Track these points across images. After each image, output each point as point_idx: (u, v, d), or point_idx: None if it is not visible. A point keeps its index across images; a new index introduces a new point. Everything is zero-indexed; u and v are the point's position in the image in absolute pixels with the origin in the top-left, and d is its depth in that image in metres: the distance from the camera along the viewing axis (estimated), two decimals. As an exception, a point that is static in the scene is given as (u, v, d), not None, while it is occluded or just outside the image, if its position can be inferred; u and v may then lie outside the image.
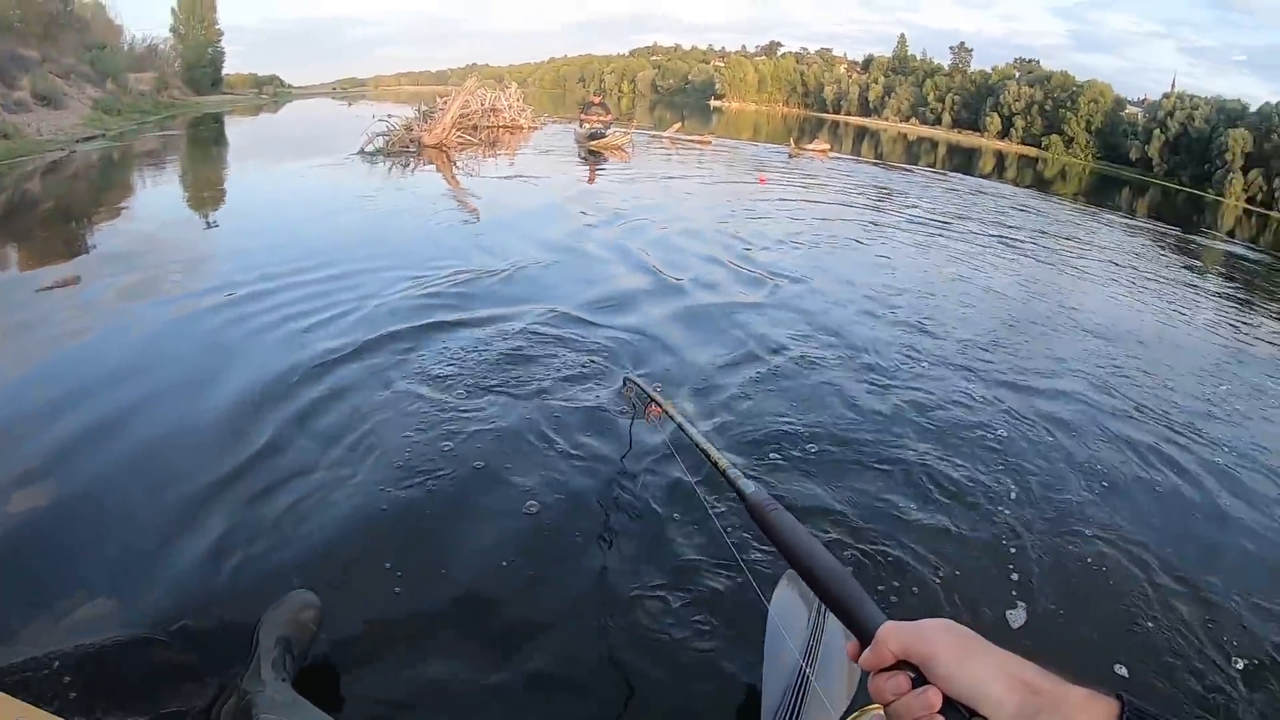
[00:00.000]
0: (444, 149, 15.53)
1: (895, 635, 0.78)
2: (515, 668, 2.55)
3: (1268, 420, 6.08)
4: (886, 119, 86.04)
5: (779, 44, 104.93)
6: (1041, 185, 35.81)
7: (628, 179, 14.01)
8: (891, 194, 17.74)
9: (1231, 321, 10.19)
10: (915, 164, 34.35)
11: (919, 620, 0.79)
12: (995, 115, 79.90)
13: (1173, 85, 75.36)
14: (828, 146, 28.12)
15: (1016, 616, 3.15)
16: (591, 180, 13.78)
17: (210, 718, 2.18)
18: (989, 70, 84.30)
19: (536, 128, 22.82)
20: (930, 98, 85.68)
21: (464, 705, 2.43)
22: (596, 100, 20.94)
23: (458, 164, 14.15)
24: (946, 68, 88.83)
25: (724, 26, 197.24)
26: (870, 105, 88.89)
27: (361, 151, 14.28)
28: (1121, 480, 4.40)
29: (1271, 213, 60.25)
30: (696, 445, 1.61)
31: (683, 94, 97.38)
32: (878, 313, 6.97)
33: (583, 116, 20.39)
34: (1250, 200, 63.53)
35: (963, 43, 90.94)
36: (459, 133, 16.76)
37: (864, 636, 0.83)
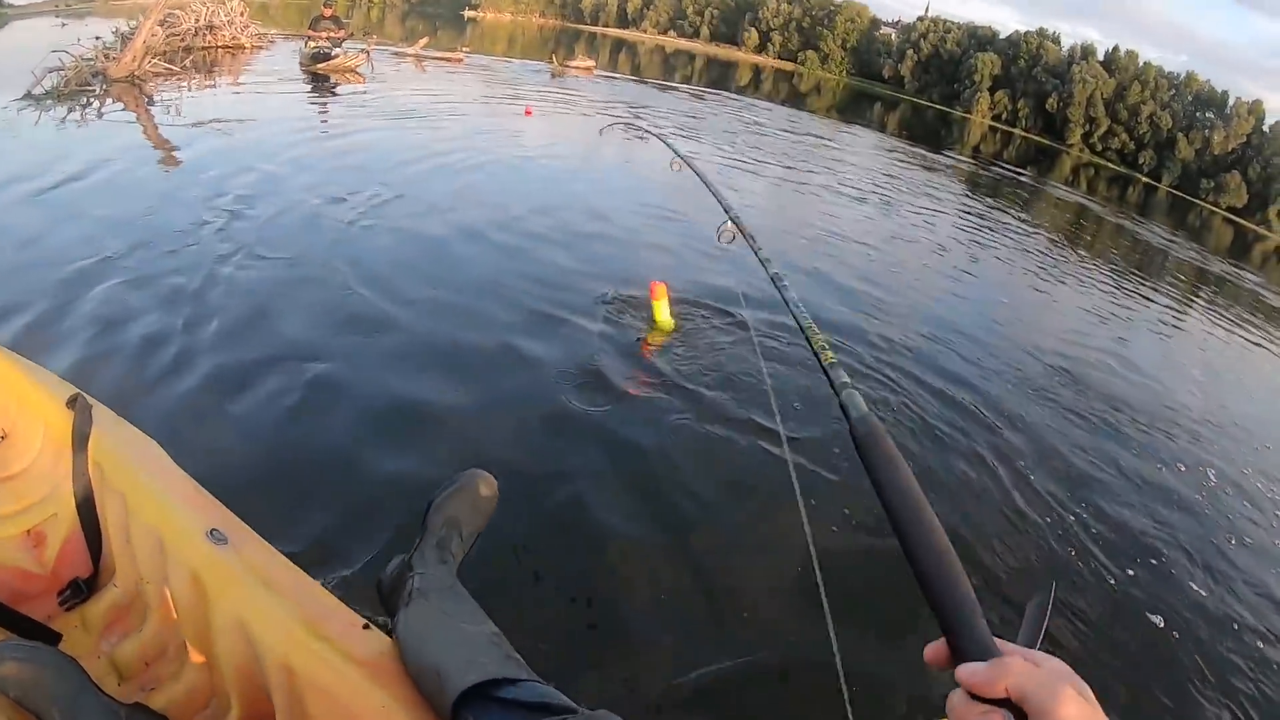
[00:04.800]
0: (137, 82, 12.15)
1: (1020, 674, 0.65)
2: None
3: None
4: (644, 31, 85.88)
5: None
6: (797, 99, 37.36)
7: (366, 117, 11.46)
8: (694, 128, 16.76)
9: (976, 228, 13.01)
10: (673, 77, 34.70)
11: (1043, 657, 0.68)
12: (753, 30, 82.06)
13: (926, 9, 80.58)
14: (593, 63, 26.51)
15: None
16: (326, 117, 11.29)
17: (377, 584, 2.15)
18: None
19: (262, 47, 19.31)
20: (689, 11, 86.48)
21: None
22: (327, 13, 17.20)
23: (154, 102, 10.97)
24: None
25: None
26: (629, 17, 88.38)
27: (28, 95, 10.43)
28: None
29: (1014, 129, 68.97)
30: (798, 322, 1.22)
31: (436, 3, 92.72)
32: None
33: (309, 33, 16.97)
34: (996, 118, 72.21)
35: None
36: (157, 59, 13.55)
37: (963, 646, 0.70)
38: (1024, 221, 15.71)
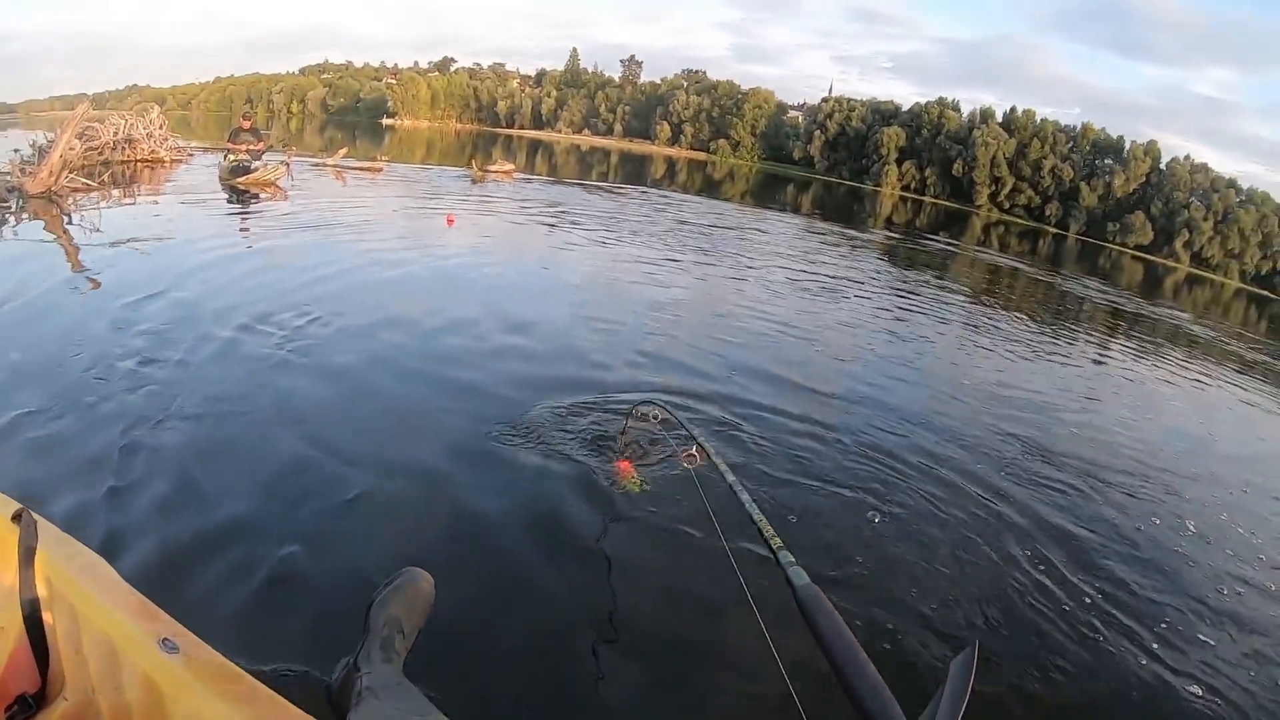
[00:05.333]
0: (54, 198, 12.00)
1: None
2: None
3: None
4: (559, 131, 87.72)
5: (452, 59, 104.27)
6: (712, 188, 38.21)
7: (286, 232, 11.23)
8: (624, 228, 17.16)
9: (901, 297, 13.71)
10: (590, 175, 35.21)
11: None
12: (665, 123, 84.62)
13: (830, 90, 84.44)
14: (513, 167, 26.94)
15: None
16: (246, 233, 11.10)
17: (329, 687, 2.32)
18: (659, 81, 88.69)
19: (181, 161, 19.25)
20: (602, 109, 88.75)
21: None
22: (246, 125, 17.13)
23: (71, 220, 10.71)
24: (618, 80, 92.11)
25: (397, 43, 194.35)
26: (543, 118, 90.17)
27: (-61, 215, 10.10)
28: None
29: (924, 197, 72.90)
30: (749, 514, 1.52)
31: (354, 113, 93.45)
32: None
33: (229, 145, 16.77)
34: (905, 188, 77.22)
35: (633, 56, 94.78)
36: (74, 174, 13.21)
37: None
38: (947, 288, 16.42)
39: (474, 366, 6.29)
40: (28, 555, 1.89)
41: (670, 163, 63.19)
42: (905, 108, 79.18)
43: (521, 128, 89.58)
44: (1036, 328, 13.31)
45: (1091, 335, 14.14)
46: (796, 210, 34.80)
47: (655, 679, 3.13)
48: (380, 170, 21.90)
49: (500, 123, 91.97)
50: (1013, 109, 74.36)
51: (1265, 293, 60.35)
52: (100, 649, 1.80)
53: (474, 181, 22.44)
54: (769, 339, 8.93)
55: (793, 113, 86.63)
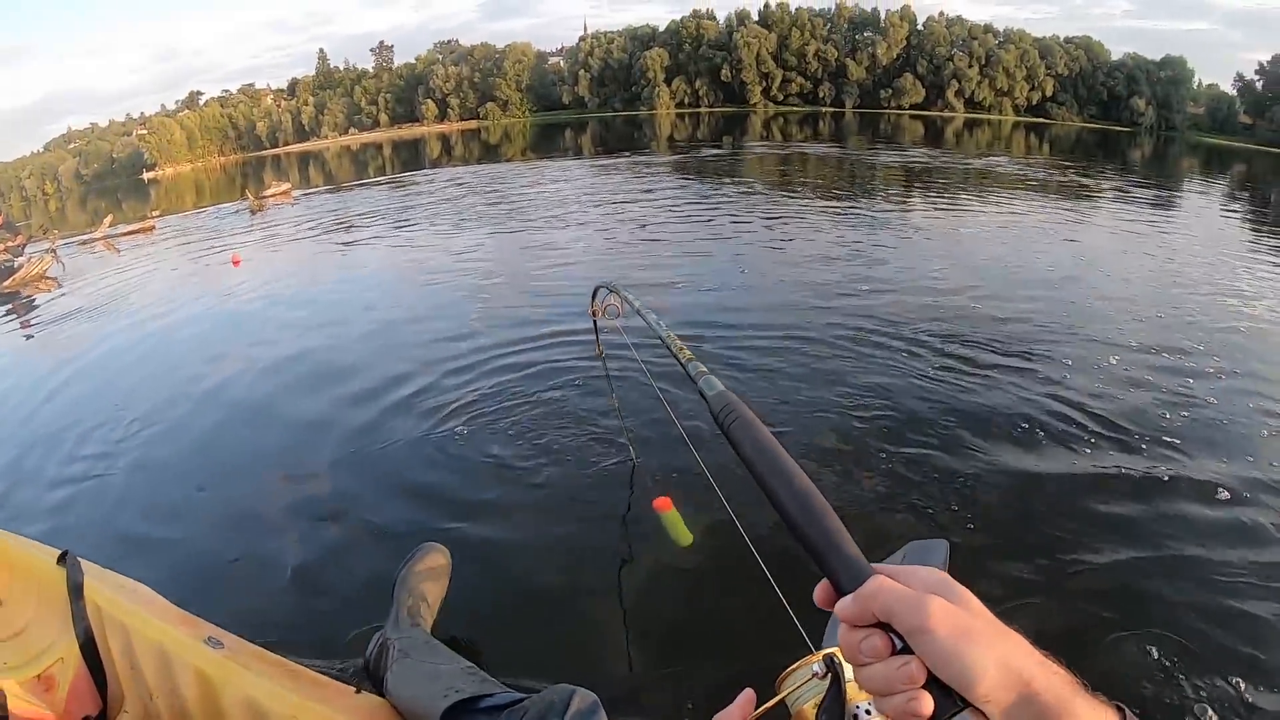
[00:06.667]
0: None
1: (884, 595, 0.68)
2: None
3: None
4: (327, 137, 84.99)
5: (200, 92, 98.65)
6: (490, 153, 38.05)
7: (69, 325, 10.08)
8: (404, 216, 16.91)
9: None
10: (367, 173, 35.65)
11: (911, 571, 0.71)
12: (430, 102, 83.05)
13: (585, 28, 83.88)
14: (289, 186, 26.50)
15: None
16: (28, 342, 10.03)
17: (366, 662, 2.47)
18: (414, 61, 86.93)
19: None
20: (364, 104, 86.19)
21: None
22: None
23: None
24: (373, 70, 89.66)
25: (139, 90, 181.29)
26: (307, 129, 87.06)
27: None
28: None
29: (700, 109, 74.97)
30: (658, 335, 1.45)
31: (112, 175, 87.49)
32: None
33: None
34: (680, 105, 79.51)
35: (382, 42, 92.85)
36: None
37: (840, 581, 0.73)
38: (750, 188, 17.47)
39: (299, 414, 5.74)
40: (77, 590, 2.09)
41: (444, 139, 62.29)
42: (662, 29, 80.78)
43: (287, 144, 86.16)
44: (848, 201, 14.36)
45: (911, 195, 15.37)
46: (579, 153, 35.23)
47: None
48: (152, 229, 20.93)
49: (264, 145, 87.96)
50: (766, 4, 77.45)
51: (1040, 120, 69.09)
52: (154, 657, 2.04)
53: (253, 212, 21.74)
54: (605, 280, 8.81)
55: (554, 59, 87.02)
